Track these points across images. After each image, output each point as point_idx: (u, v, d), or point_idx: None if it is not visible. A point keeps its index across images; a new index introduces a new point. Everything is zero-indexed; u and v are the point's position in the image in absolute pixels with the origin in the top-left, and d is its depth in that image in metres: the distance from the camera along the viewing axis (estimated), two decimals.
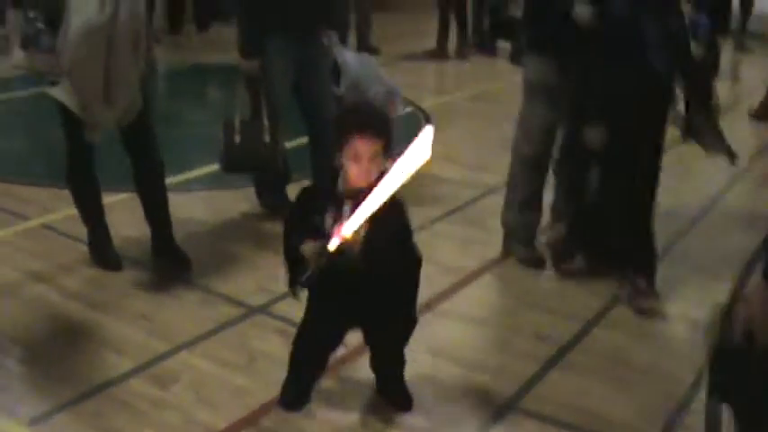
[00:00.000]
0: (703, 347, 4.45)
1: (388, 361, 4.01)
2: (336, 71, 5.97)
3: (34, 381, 4.22)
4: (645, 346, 4.65)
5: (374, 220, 3.31)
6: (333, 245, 3.34)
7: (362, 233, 3.39)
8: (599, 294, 5.14)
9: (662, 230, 5.91)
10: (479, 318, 4.90)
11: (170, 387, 4.12)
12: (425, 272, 5.21)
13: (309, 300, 3.79)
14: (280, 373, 3.98)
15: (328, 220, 3.49)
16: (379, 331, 3.88)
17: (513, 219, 5.58)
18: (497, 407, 4.07)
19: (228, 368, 4.26)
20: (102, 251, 5.36)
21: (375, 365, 4.04)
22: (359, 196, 3.35)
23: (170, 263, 5.34)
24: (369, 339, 3.94)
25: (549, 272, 5.46)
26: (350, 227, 3.30)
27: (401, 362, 4.01)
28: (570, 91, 5.08)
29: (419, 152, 3.22)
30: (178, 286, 5.10)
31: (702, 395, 4.19)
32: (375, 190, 3.24)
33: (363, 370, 4.13)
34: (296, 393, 3.97)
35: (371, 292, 3.62)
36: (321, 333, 3.86)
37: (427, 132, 3.25)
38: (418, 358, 4.39)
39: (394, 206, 3.38)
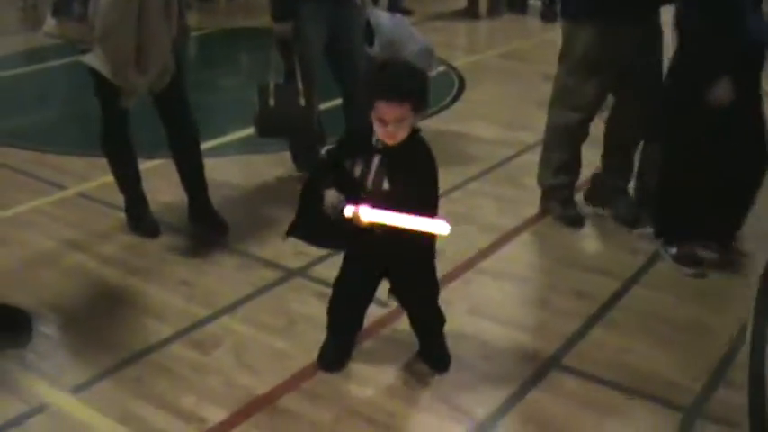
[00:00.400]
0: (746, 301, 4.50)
1: (421, 320, 4.01)
2: (370, 32, 5.92)
3: (76, 349, 4.25)
4: (685, 303, 4.60)
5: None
6: (348, 211, 3.38)
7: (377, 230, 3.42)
8: (638, 252, 5.10)
9: None
10: (519, 276, 4.87)
11: (211, 352, 4.14)
12: (464, 231, 5.27)
13: (343, 260, 3.84)
14: (319, 336, 3.99)
15: (357, 168, 3.51)
16: (405, 290, 3.89)
17: (550, 179, 5.53)
18: (538, 365, 4.05)
19: (268, 332, 4.26)
20: (140, 218, 5.36)
21: (411, 324, 4.04)
22: (389, 152, 3.41)
23: (207, 228, 5.34)
24: (399, 297, 3.94)
25: (587, 230, 5.42)
26: (368, 215, 3.34)
27: (435, 321, 4.00)
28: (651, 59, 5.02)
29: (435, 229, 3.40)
30: (216, 251, 5.11)
31: (745, 348, 4.19)
32: (395, 218, 3.34)
33: (404, 330, 4.12)
34: (334, 354, 3.98)
35: (393, 252, 3.62)
36: (352, 289, 3.88)
37: (443, 228, 3.42)
38: (458, 317, 4.40)
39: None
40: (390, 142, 3.42)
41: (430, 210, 3.53)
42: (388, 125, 3.37)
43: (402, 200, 3.39)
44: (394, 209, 3.37)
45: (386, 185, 3.46)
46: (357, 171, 3.50)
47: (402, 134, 3.40)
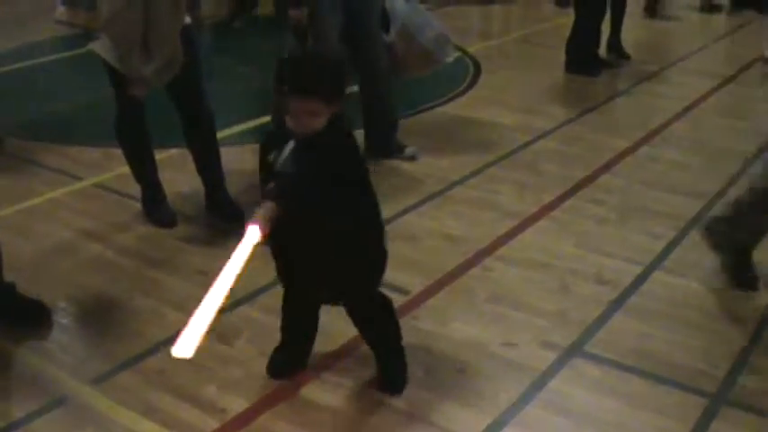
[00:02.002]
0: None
1: (371, 339, 3.85)
2: (385, 18, 5.88)
3: (95, 340, 4.23)
4: (707, 288, 4.57)
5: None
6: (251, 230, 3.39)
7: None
8: (659, 237, 5.07)
9: (718, 170, 5.88)
10: (539, 262, 4.83)
11: (232, 342, 4.12)
12: (483, 217, 5.25)
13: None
14: (340, 324, 3.93)
15: (274, 157, 3.41)
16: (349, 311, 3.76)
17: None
18: (561, 352, 4.02)
19: None
20: (156, 208, 5.35)
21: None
22: (303, 138, 3.31)
23: (224, 217, 5.31)
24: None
25: (606, 215, 5.38)
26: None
27: (388, 343, 3.83)
28: None
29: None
30: (233, 240, 4.95)
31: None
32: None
33: (426, 318, 4.09)
34: (283, 361, 3.90)
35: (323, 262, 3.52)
36: (296, 303, 3.80)
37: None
38: (478, 305, 4.40)
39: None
40: (301, 133, 3.32)
41: (327, 193, 3.35)
42: (298, 117, 3.28)
43: (300, 178, 3.30)
44: (293, 190, 3.30)
45: (290, 169, 3.34)
46: (271, 156, 3.42)
47: (316, 125, 3.30)
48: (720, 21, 10.90)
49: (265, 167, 3.47)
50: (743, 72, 8.62)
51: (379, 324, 3.79)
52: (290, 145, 3.34)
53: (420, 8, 6.30)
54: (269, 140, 3.52)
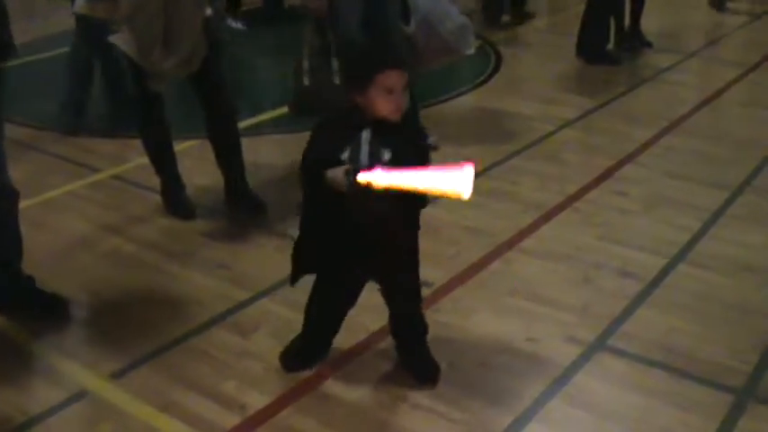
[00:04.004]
0: None
1: (407, 323, 3.80)
2: (405, 8, 5.81)
3: (114, 334, 4.18)
4: (733, 282, 4.50)
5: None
6: (362, 177, 3.11)
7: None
8: (684, 229, 5.00)
9: (743, 160, 5.82)
10: (561, 255, 4.77)
11: (251, 335, 4.08)
12: (505, 209, 5.19)
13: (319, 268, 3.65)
14: (361, 318, 3.90)
15: (343, 151, 3.28)
16: (391, 289, 3.68)
17: None
18: (584, 346, 3.96)
19: None
20: (176, 200, 5.31)
21: (395, 332, 3.84)
22: (378, 123, 3.25)
23: (245, 209, 5.29)
24: (386, 298, 3.72)
25: (630, 205, 5.32)
26: (383, 179, 3.08)
27: (421, 327, 3.80)
28: None
29: (456, 185, 3.09)
30: (254, 233, 5.05)
31: None
32: (412, 178, 3.05)
33: (448, 311, 4.04)
34: (303, 358, 3.85)
35: (379, 241, 3.44)
36: (335, 290, 3.70)
37: (468, 173, 3.10)
38: (500, 298, 4.35)
39: None
40: (398, 114, 3.27)
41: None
42: (397, 95, 3.22)
43: (407, 165, 3.24)
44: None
45: (386, 156, 3.24)
46: (344, 154, 3.27)
47: (406, 103, 3.29)
48: (742, 8, 10.77)
49: (333, 165, 3.25)
50: (767, 60, 8.51)
51: (416, 304, 3.74)
52: (365, 135, 3.26)
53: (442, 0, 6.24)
54: (330, 137, 3.34)
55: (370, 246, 3.44)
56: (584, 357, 3.89)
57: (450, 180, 3.05)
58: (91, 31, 6.10)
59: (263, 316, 4.23)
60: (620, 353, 3.93)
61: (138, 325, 4.22)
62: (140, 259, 4.83)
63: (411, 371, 3.80)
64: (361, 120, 3.29)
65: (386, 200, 3.18)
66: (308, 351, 3.86)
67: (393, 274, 3.60)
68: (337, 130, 3.34)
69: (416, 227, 3.54)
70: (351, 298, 3.72)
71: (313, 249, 3.55)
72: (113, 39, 4.79)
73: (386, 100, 3.23)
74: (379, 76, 3.22)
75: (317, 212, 3.45)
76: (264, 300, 4.36)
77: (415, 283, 3.67)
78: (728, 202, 5.33)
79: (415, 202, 3.33)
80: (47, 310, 4.25)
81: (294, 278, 3.64)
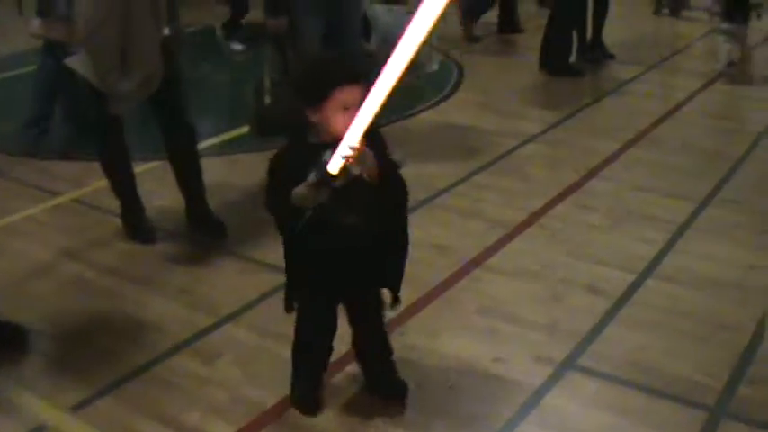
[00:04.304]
0: (762, 291, 4.39)
1: (377, 343, 3.72)
2: (366, 26, 5.78)
3: (74, 364, 4.07)
4: (701, 296, 4.48)
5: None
6: (334, 166, 3.02)
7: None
8: (651, 243, 4.98)
9: (708, 172, 5.81)
10: (529, 272, 4.73)
11: (215, 363, 3.99)
12: (470, 226, 5.14)
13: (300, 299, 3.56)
14: None
15: (312, 175, 3.11)
16: (363, 308, 3.60)
17: None
18: (554, 366, 3.91)
19: (275, 340, 4.07)
20: (136, 224, 5.22)
21: (361, 354, 3.76)
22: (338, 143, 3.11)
23: (206, 232, 5.21)
24: (354, 316, 3.64)
25: (597, 220, 5.28)
26: (347, 144, 2.98)
27: (388, 347, 3.73)
28: None
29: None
30: (216, 256, 4.97)
31: (765, 344, 4.07)
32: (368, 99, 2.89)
33: (415, 334, 3.97)
34: (313, 395, 3.72)
35: (361, 250, 3.35)
36: (321, 322, 3.58)
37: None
38: (467, 317, 4.31)
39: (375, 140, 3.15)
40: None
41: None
42: (352, 111, 3.04)
43: (385, 175, 3.16)
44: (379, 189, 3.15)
45: (354, 170, 3.11)
46: (311, 177, 3.11)
47: None
48: (703, 18, 10.81)
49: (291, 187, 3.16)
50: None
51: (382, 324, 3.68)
52: (328, 153, 3.10)
53: (402, 15, 6.20)
54: (292, 158, 3.24)
55: (349, 266, 3.37)
56: (554, 377, 3.84)
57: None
58: (55, 50, 6.00)
59: (226, 342, 4.15)
60: (591, 372, 3.88)
61: (99, 354, 4.11)
62: (101, 286, 4.73)
63: (378, 391, 3.73)
64: (319, 141, 3.18)
65: (359, 208, 3.16)
66: (315, 384, 3.74)
67: (373, 292, 3.57)
68: (296, 157, 3.22)
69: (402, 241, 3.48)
70: (334, 322, 3.63)
71: (302, 274, 3.46)
72: (69, 61, 4.71)
73: (342, 117, 3.11)
74: (335, 92, 3.11)
75: (293, 242, 3.37)
76: (228, 325, 4.28)
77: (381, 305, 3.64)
78: (694, 215, 5.32)
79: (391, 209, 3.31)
80: (5, 340, 4.14)
81: (288, 305, 3.56)
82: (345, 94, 3.11)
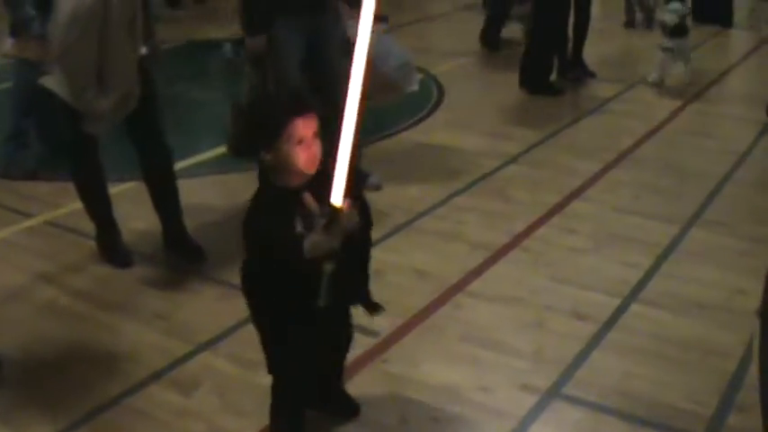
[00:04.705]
0: (749, 315, 4.32)
1: (338, 366, 3.67)
2: (347, 47, 5.69)
3: (48, 395, 3.96)
4: (687, 320, 4.42)
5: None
6: (336, 198, 2.85)
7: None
8: (635, 266, 4.92)
9: (691, 192, 5.76)
10: (512, 297, 4.65)
11: (192, 393, 3.90)
12: (452, 250, 5.06)
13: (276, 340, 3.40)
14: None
15: (299, 222, 3.03)
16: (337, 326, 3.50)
17: None
18: (539, 395, 3.84)
19: (254, 369, 3.92)
20: (112, 247, 5.12)
21: (323, 379, 3.66)
22: (311, 180, 3.05)
23: (183, 255, 5.12)
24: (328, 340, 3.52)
25: (580, 243, 5.22)
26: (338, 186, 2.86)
27: (342, 368, 3.69)
28: None
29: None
30: (193, 281, 4.87)
31: (753, 369, 4.00)
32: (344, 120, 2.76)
33: (395, 360, 3.89)
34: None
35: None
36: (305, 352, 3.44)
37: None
38: (450, 344, 4.24)
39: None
40: (314, 165, 3.06)
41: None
42: (310, 142, 3.02)
43: (360, 211, 3.06)
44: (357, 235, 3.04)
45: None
46: (298, 227, 3.02)
47: (319, 155, 3.08)
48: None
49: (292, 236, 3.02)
50: (709, 89, 8.51)
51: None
52: (308, 199, 3.00)
53: (383, 37, 6.13)
54: (274, 213, 3.06)
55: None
56: (540, 407, 3.77)
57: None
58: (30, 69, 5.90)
59: (204, 371, 4.05)
60: (577, 401, 3.81)
61: (73, 383, 4.01)
62: (75, 311, 4.62)
63: (333, 410, 3.70)
64: (289, 184, 3.08)
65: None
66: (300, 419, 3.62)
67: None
68: (277, 210, 3.07)
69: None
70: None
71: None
72: (45, 81, 4.61)
73: (299, 151, 3.02)
74: (285, 129, 3.02)
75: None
76: (206, 353, 4.18)
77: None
78: (679, 238, 5.27)
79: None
80: None
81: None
82: (295, 128, 3.02)
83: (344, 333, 3.56)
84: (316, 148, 3.06)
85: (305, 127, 3.03)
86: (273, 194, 3.11)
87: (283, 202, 3.05)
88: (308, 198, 2.98)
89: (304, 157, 3.02)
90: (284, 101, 3.20)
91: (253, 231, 3.12)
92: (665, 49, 8.35)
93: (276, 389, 3.47)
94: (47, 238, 5.49)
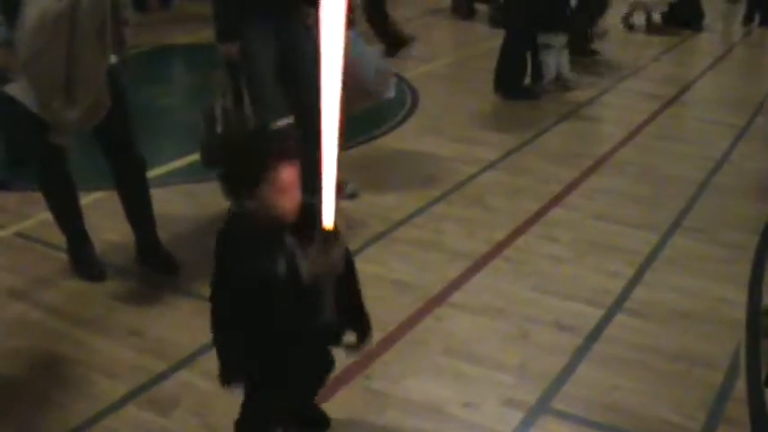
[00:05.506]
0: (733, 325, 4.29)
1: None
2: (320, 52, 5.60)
3: (18, 416, 3.82)
4: (672, 331, 4.38)
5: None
6: (328, 219, 2.66)
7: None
8: (617, 276, 4.87)
9: (669, 199, 5.71)
10: (494, 308, 4.57)
11: (170, 413, 3.78)
12: (431, 260, 4.97)
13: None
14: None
15: (281, 265, 2.88)
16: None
17: None
18: (526, 410, 3.77)
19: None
20: (84, 261, 4.99)
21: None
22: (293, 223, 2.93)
23: (156, 267, 5.00)
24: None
25: (562, 252, 5.15)
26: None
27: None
28: None
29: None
30: (168, 294, 4.75)
31: (741, 382, 3.95)
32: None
33: (378, 377, 3.80)
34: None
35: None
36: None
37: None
38: (433, 358, 4.17)
39: None
40: (294, 214, 2.93)
41: None
42: (293, 190, 2.89)
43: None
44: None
45: None
46: (281, 267, 2.88)
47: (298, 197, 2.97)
48: (654, 40, 10.82)
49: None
50: (684, 93, 8.48)
51: None
52: (290, 241, 2.91)
53: (359, 43, 6.05)
54: (252, 262, 2.90)
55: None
56: (527, 423, 3.70)
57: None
58: None
59: (182, 390, 3.93)
60: (564, 416, 3.74)
61: (45, 404, 3.87)
62: (47, 328, 4.48)
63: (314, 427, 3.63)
64: (270, 226, 2.94)
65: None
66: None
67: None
68: (252, 251, 2.91)
69: None
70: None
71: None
72: (9, 89, 4.48)
73: (283, 198, 2.88)
74: (271, 173, 2.86)
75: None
76: (183, 371, 4.06)
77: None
78: (660, 246, 5.23)
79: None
80: None
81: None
82: (283, 174, 2.87)
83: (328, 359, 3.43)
84: (297, 194, 2.92)
85: (289, 174, 2.88)
86: (254, 236, 2.93)
87: (265, 242, 2.90)
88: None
89: (287, 204, 2.89)
90: (269, 145, 3.02)
91: (243, 277, 2.93)
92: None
93: (249, 412, 3.37)
94: (15, 251, 5.35)
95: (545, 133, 7.33)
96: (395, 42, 9.87)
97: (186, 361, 4.12)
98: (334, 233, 2.73)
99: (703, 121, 7.84)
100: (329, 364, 3.38)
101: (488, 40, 10.17)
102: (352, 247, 4.79)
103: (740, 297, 4.66)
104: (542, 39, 8.33)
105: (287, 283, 2.83)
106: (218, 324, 3.21)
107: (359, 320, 3.29)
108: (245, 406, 3.35)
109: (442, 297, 4.67)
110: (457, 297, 4.69)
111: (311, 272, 2.79)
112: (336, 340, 3.22)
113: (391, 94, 6.11)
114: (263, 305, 2.90)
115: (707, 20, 11.49)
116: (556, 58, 8.43)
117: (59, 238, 5.07)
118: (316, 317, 2.94)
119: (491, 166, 6.50)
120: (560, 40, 8.39)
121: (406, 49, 9.99)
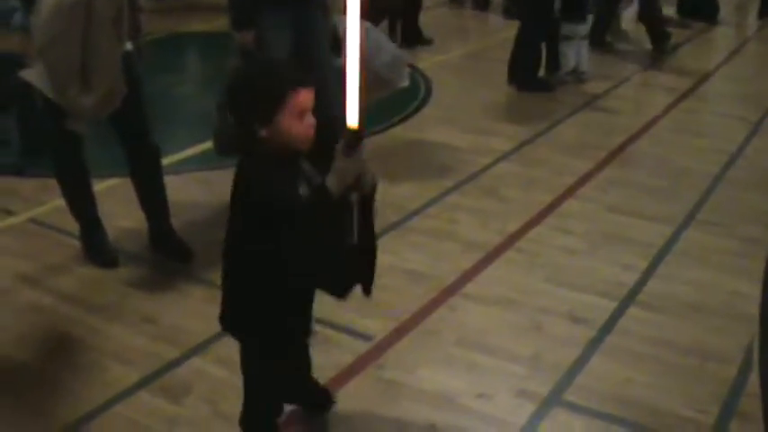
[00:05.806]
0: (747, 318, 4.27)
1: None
2: (336, 41, 5.58)
3: (31, 402, 3.82)
4: (686, 324, 4.36)
5: None
6: (352, 119, 2.73)
7: None
8: (631, 268, 4.85)
9: (684, 192, 5.69)
10: (507, 299, 4.56)
11: (182, 400, 3.78)
12: (445, 250, 4.96)
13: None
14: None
15: (304, 186, 2.95)
16: None
17: None
18: (539, 401, 3.76)
19: None
20: (97, 247, 4.99)
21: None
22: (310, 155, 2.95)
23: (170, 254, 5.00)
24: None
25: (576, 244, 5.14)
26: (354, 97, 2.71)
27: None
28: None
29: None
30: (182, 281, 4.74)
31: (754, 376, 3.93)
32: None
33: (391, 367, 3.80)
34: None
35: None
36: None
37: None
38: (446, 349, 4.15)
39: None
40: (310, 141, 2.92)
41: None
42: (309, 114, 2.87)
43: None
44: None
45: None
46: (303, 191, 2.92)
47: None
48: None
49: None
50: (699, 86, 8.45)
51: None
52: (307, 166, 2.97)
53: (373, 32, 6.03)
54: (283, 186, 2.88)
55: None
56: (539, 414, 3.68)
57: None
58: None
59: (195, 377, 3.93)
60: (576, 408, 3.72)
61: (56, 390, 3.88)
62: (59, 314, 4.48)
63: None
64: (285, 155, 2.92)
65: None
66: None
67: None
68: (271, 179, 2.87)
69: None
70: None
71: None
72: (25, 74, 4.49)
73: (300, 124, 2.86)
74: (290, 97, 2.83)
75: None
76: (196, 358, 4.06)
77: None
78: (674, 238, 5.21)
79: None
80: None
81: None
82: (301, 96, 2.84)
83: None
84: (312, 120, 2.90)
85: (306, 98, 2.87)
86: (277, 163, 2.90)
87: (284, 168, 2.91)
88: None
89: (303, 130, 2.87)
90: (285, 70, 3.03)
91: (275, 200, 2.87)
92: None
93: (254, 400, 3.34)
94: (28, 237, 5.35)
95: (559, 125, 7.32)
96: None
97: (199, 348, 4.12)
98: (359, 134, 2.73)
99: (718, 114, 7.82)
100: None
101: (503, 31, 10.17)
102: None
103: (754, 291, 4.59)
104: (565, 30, 8.30)
105: (311, 209, 2.80)
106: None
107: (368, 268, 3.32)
108: (247, 400, 3.34)
109: (456, 287, 4.66)
110: (470, 288, 4.67)
111: (339, 181, 2.78)
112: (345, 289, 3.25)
113: (406, 82, 6.10)
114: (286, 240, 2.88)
115: (722, 13, 11.44)
116: (576, 50, 8.40)
117: (73, 224, 5.08)
118: (343, 240, 3.01)
119: (505, 157, 6.49)
120: (582, 30, 8.37)
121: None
